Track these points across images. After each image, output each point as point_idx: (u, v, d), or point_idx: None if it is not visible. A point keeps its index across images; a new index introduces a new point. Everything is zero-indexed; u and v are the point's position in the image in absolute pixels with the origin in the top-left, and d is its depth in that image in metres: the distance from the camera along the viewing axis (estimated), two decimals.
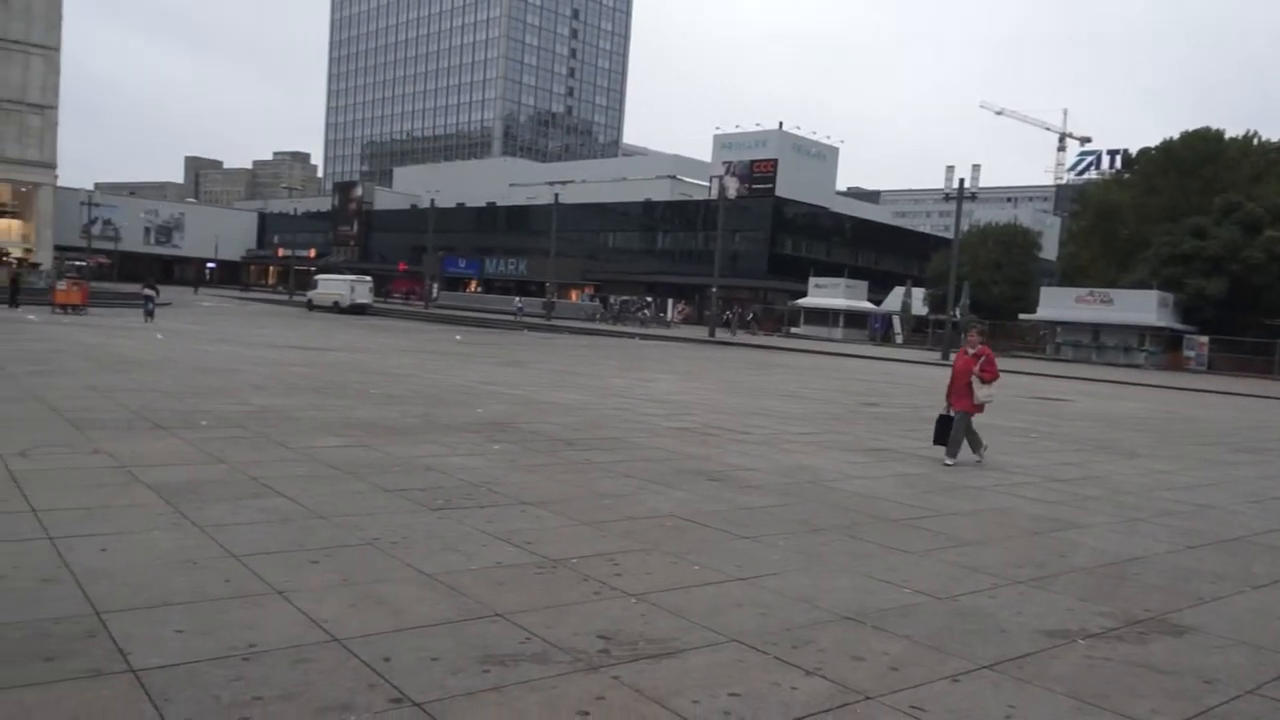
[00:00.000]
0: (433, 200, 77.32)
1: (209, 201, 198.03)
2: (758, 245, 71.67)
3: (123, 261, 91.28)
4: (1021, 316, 57.05)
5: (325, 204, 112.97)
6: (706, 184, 76.60)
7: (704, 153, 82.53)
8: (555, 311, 60.36)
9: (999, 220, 74.52)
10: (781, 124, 74.16)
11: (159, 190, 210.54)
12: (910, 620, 4.98)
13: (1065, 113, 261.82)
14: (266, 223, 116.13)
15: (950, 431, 10.85)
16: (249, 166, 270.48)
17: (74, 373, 14.48)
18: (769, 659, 4.25)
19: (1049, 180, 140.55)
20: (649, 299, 67.51)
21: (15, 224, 76.96)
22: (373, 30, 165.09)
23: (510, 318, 56.18)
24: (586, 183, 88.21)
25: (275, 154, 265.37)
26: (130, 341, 22.12)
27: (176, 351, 20.02)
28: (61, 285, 35.92)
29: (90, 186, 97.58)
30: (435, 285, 72.41)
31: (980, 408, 10.93)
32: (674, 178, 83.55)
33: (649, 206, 78.36)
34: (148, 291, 33.50)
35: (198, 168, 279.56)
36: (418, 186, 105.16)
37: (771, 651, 4.34)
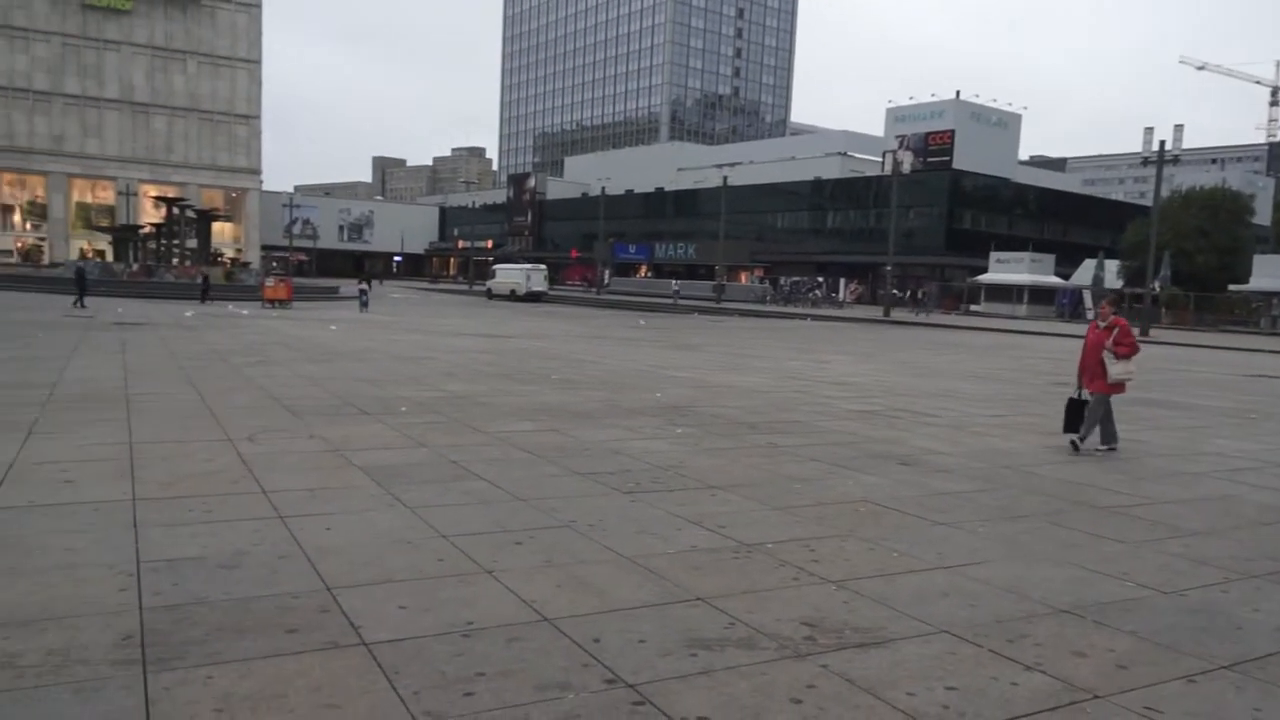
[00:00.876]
0: (603, 188, 78.71)
1: (394, 198, 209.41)
2: (934, 220, 68.93)
3: (319, 258, 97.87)
4: (1231, 288, 52.39)
5: (501, 196, 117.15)
6: (879, 159, 74.34)
7: (875, 128, 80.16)
8: (725, 294, 60.24)
9: (1203, 184, 68.58)
10: (958, 93, 70.98)
11: (350, 190, 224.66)
12: (1134, 615, 4.65)
13: (1278, 65, 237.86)
14: (447, 216, 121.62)
15: (1084, 417, 9.78)
16: (430, 163, 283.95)
17: (285, 363, 15.63)
18: (983, 652, 4.07)
19: (1260, 138, 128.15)
20: (820, 279, 66.31)
21: (228, 227, 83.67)
22: (543, 25, 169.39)
23: (671, 301, 56.53)
24: (754, 164, 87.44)
25: (454, 150, 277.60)
26: (331, 333, 23.68)
27: (372, 341, 21.27)
28: (269, 282, 38.87)
29: (290, 189, 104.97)
30: (606, 271, 73.74)
31: (1118, 387, 9.78)
32: (844, 154, 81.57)
33: (818, 185, 76.81)
34: (363, 286, 38.84)
35: (384, 167, 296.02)
36: (588, 175, 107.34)
37: (985, 644, 4.15)
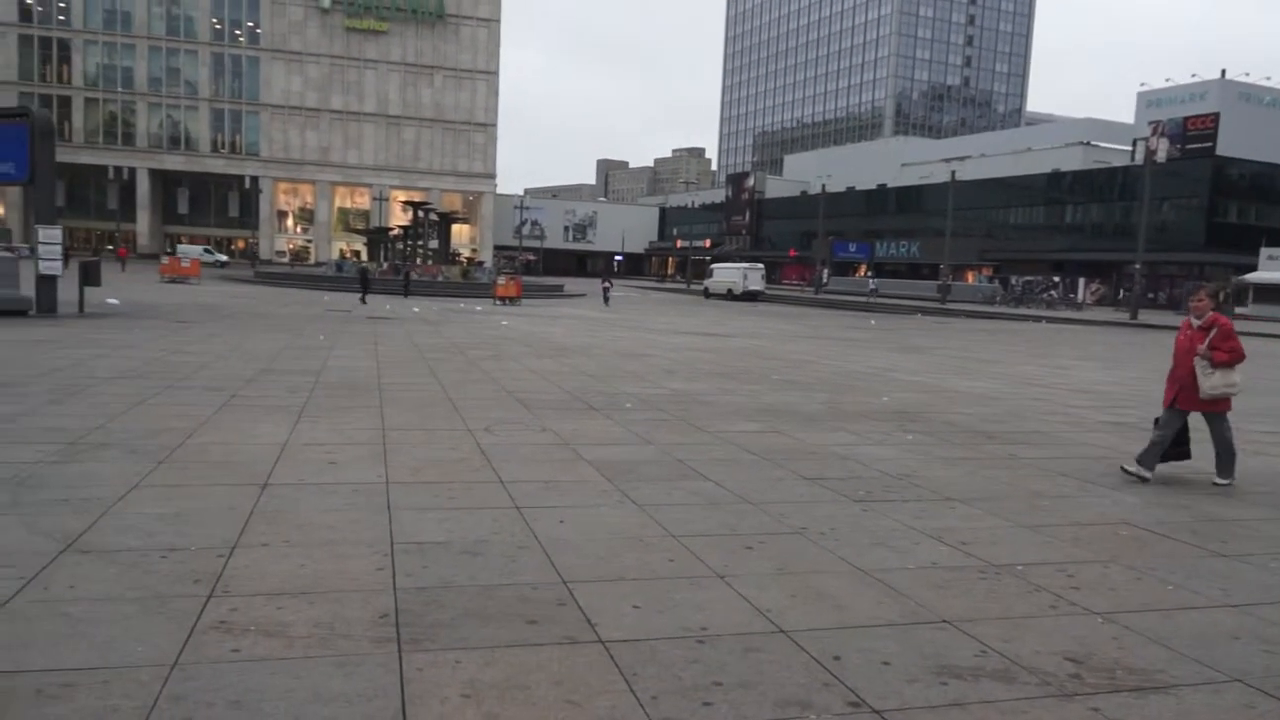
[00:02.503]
0: (823, 185, 77.34)
1: (616, 200, 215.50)
2: (1191, 214, 62.64)
3: (546, 257, 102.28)
4: None
5: (719, 196, 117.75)
6: (1126, 148, 68.51)
7: (1122, 114, 73.85)
8: (951, 294, 57.57)
9: None
10: (1224, 72, 64.18)
11: (575, 192, 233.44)
12: None
13: None
14: (666, 216, 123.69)
15: (1182, 439, 7.71)
16: (651, 165, 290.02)
17: (517, 357, 16.34)
18: None
19: None
20: (1056, 279, 61.96)
21: (465, 228, 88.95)
22: (765, 23, 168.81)
23: (916, 302, 54.54)
24: (985, 157, 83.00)
25: (674, 151, 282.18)
26: (557, 329, 24.59)
27: (596, 338, 21.88)
28: (501, 280, 40.94)
29: (521, 192, 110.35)
30: (825, 270, 72.39)
31: (1218, 404, 7.52)
32: (1086, 144, 75.76)
33: (1056, 178, 71.74)
34: (606, 285, 44.59)
35: (607, 169, 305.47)
36: (807, 173, 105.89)
37: None
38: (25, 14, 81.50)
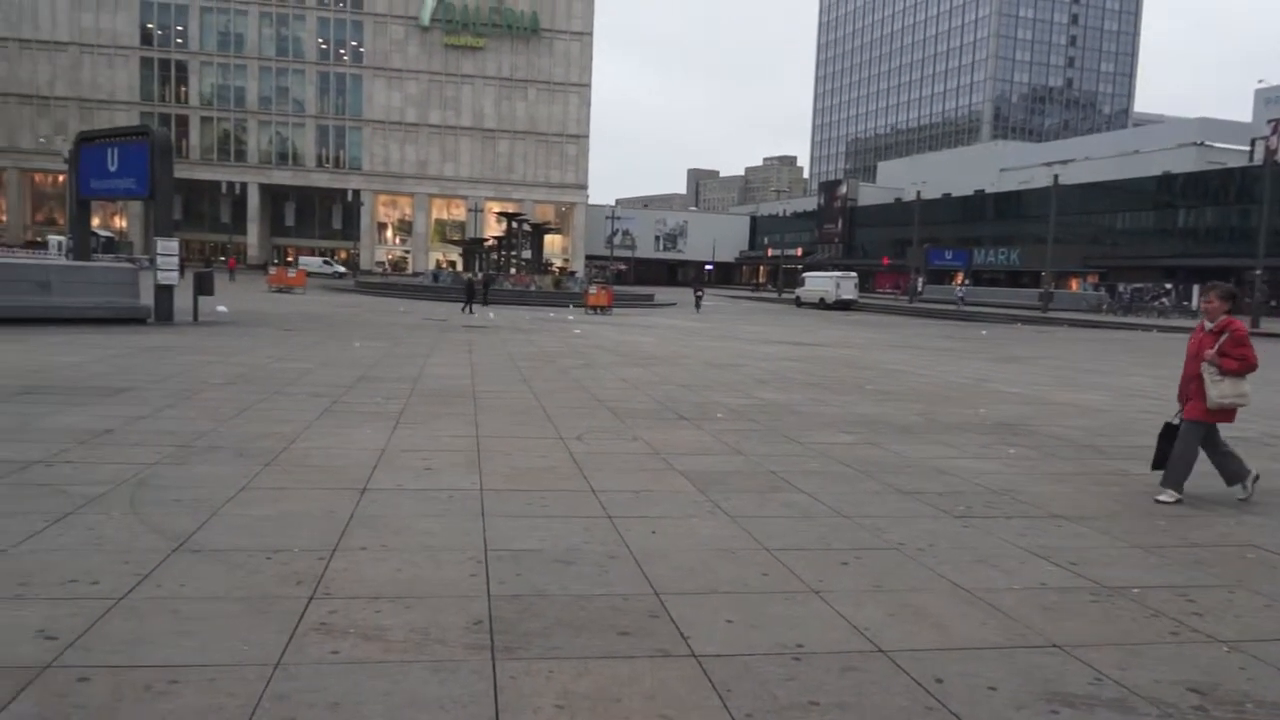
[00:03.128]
0: (918, 192, 75.77)
1: (707, 209, 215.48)
2: None
3: (636, 266, 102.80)
4: None
5: (811, 204, 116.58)
6: (1243, 149, 65.25)
7: (1237, 113, 70.37)
8: (1053, 302, 55.65)
9: None
10: None
11: (666, 202, 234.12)
12: None
13: None
14: (757, 225, 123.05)
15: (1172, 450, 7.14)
16: (741, 173, 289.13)
17: (607, 366, 16.41)
18: None
19: None
20: (1167, 286, 59.32)
21: (558, 238, 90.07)
22: (858, 29, 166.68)
23: (1014, 312, 52.98)
24: (1089, 160, 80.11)
25: (765, 159, 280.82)
26: (647, 338, 24.64)
27: (686, 347, 21.84)
28: (592, 289, 41.30)
29: (612, 202, 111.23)
30: (920, 279, 70.87)
31: (1220, 414, 6.96)
32: (1200, 144, 72.39)
33: (1166, 180, 68.70)
34: (699, 293, 47.60)
35: (698, 178, 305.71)
36: (901, 179, 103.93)
37: None
38: (146, 38, 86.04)
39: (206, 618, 3.96)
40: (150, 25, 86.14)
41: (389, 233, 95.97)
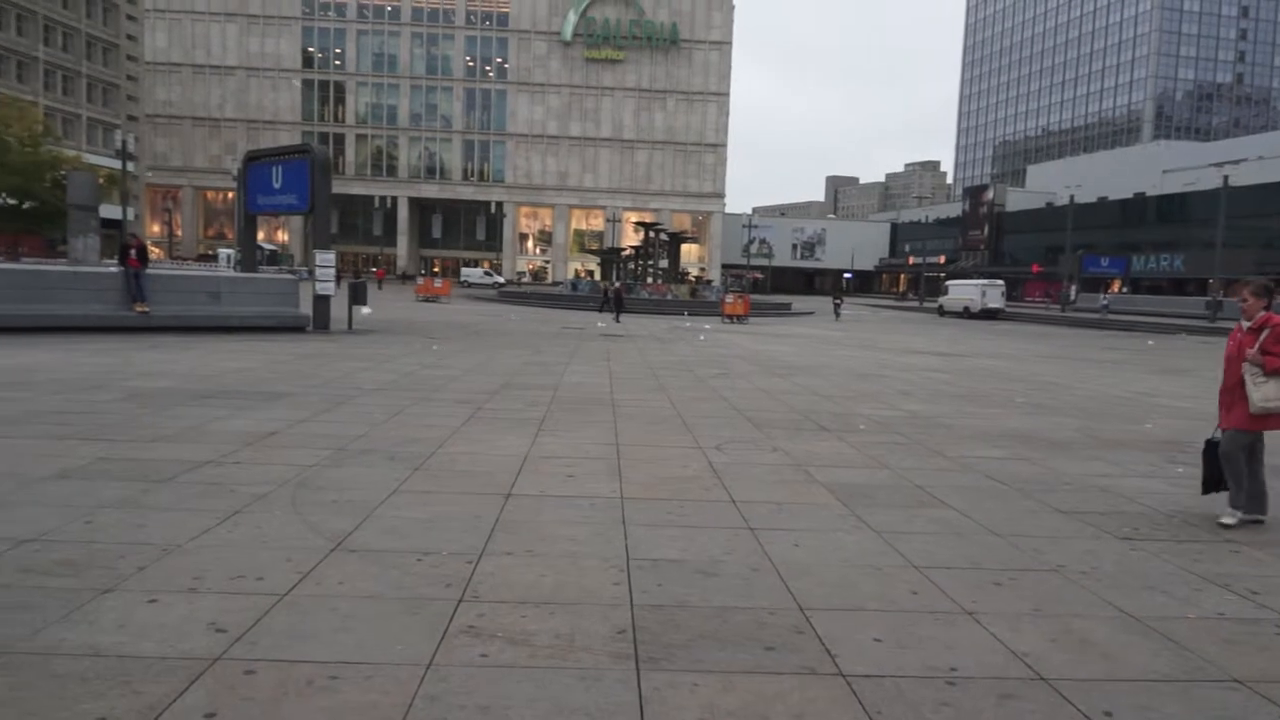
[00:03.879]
0: (1071, 196, 72.16)
1: (846, 216, 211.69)
2: None
3: (773, 275, 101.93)
4: None
5: (955, 209, 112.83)
6: None
7: None
8: (1222, 311, 51.90)
9: None
10: None
11: (804, 210, 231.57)
12: None
13: None
14: (897, 232, 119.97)
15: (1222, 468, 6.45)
16: (882, 180, 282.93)
17: (745, 375, 16.28)
18: None
19: None
20: None
21: (694, 247, 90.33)
22: (1008, 28, 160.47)
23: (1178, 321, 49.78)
24: (1263, 159, 74.38)
25: (906, 165, 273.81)
26: (785, 347, 24.33)
27: (826, 357, 21.45)
28: (729, 298, 41.14)
29: (749, 211, 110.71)
30: (1074, 287, 67.42)
31: (1265, 420, 6.26)
32: None
33: None
34: (838, 301, 47.59)
35: (836, 185, 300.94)
36: (1053, 183, 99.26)
37: None
38: (308, 61, 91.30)
39: (363, 616, 4.11)
40: (311, 49, 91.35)
41: (530, 243, 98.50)
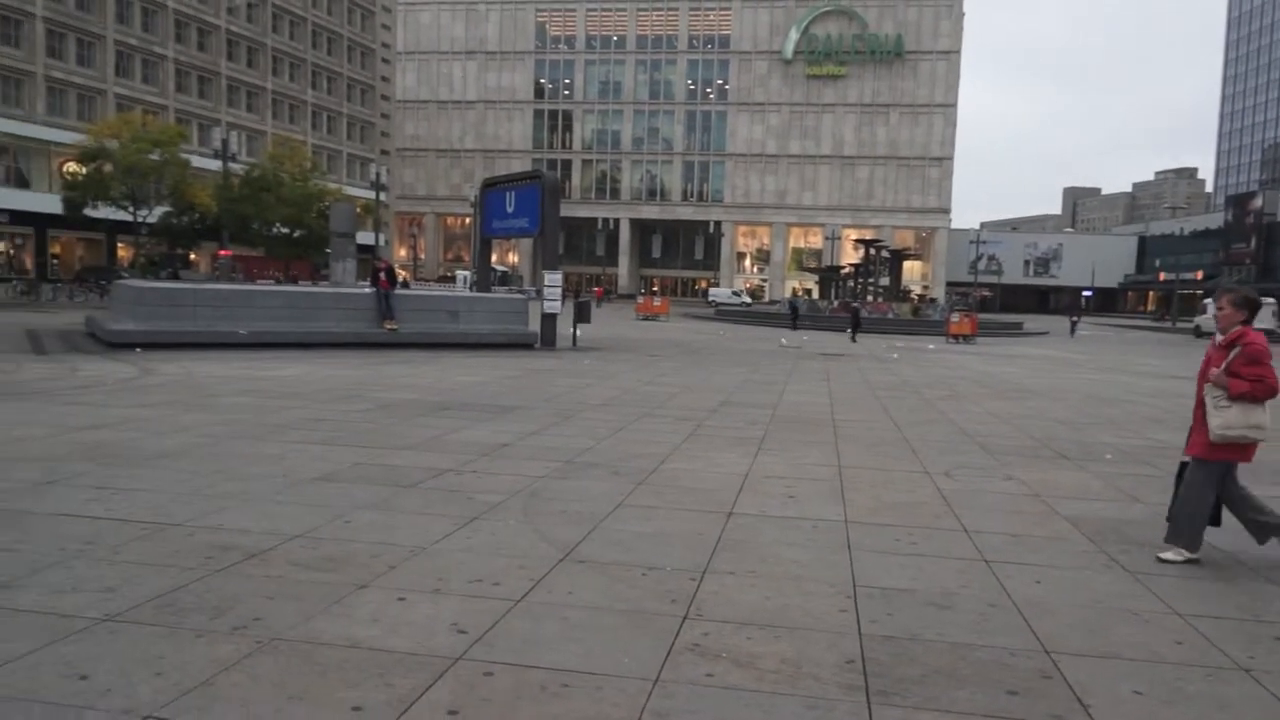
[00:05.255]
0: None
1: (1085, 230, 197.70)
2: None
3: (1003, 293, 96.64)
4: None
5: (1215, 220, 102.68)
6: None
7: None
8: None
9: None
10: None
11: (1037, 223, 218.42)
12: None
13: None
14: (1146, 246, 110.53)
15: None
16: (1128, 190, 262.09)
17: (974, 398, 15.47)
18: None
19: None
20: None
21: (917, 265, 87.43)
22: (1277, 20, 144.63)
23: None
24: None
25: (1156, 174, 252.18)
26: (1017, 369, 22.93)
27: (1063, 379, 20.03)
28: (954, 317, 39.38)
29: (976, 226, 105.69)
30: None
31: (1229, 450, 5.50)
32: None
33: None
34: (1074, 319, 48.35)
35: (1075, 197, 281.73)
36: None
37: None
38: (539, 92, 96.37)
39: (591, 626, 4.20)
40: (542, 80, 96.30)
41: (747, 261, 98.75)
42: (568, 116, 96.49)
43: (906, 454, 9.46)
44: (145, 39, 61.10)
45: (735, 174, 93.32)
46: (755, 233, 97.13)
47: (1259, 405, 5.43)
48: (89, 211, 45.77)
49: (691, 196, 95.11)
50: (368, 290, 21.74)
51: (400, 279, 27.41)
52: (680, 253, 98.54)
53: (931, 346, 32.52)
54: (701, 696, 3.49)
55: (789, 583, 4.99)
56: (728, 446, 9.45)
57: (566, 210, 78.30)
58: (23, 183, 53.64)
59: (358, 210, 41.01)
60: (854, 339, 34.55)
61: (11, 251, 55.06)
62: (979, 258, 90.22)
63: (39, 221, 52.15)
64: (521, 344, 22.56)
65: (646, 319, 46.10)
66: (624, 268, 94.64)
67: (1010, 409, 14.02)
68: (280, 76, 74.32)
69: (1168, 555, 5.72)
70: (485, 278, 29.76)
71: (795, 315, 44.16)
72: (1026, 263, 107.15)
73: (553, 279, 23.35)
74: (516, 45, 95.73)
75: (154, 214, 48.06)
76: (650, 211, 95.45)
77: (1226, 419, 5.43)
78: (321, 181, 58.16)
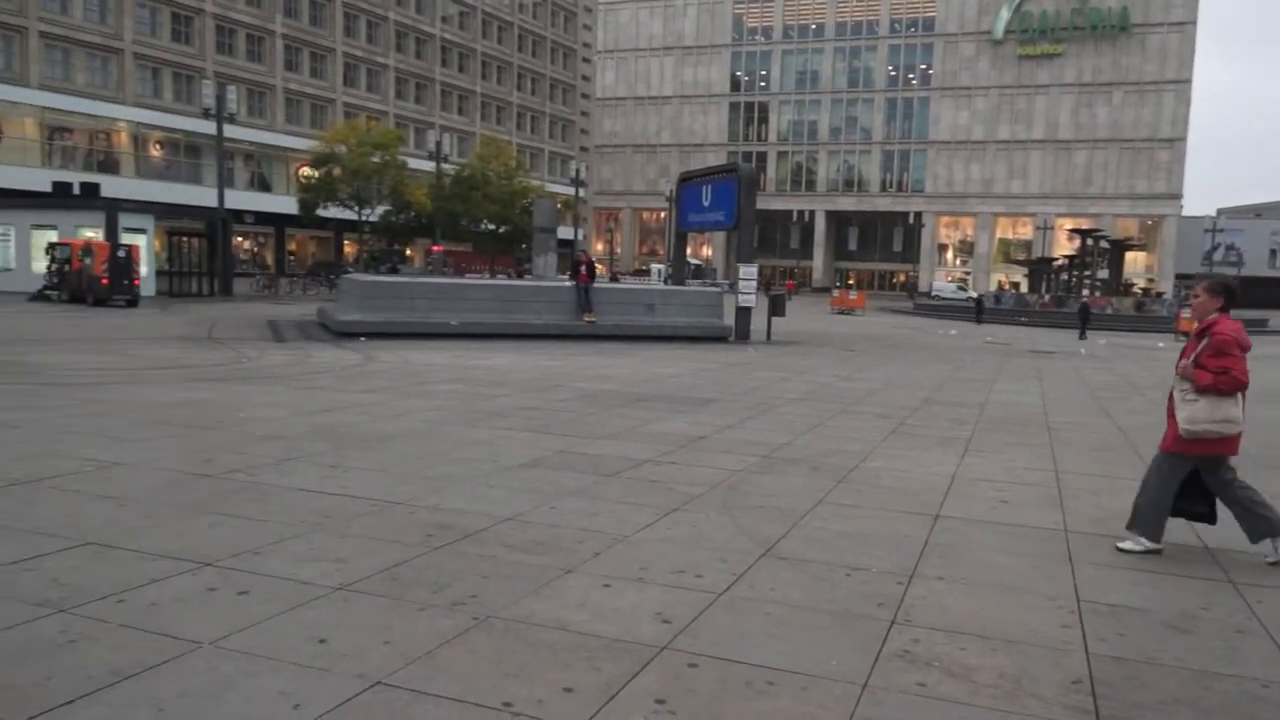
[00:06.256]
0: None
1: None
2: None
3: (1244, 286, 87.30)
4: None
5: None
6: None
7: None
8: None
9: None
10: None
11: None
12: None
13: None
14: None
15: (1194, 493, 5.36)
16: None
17: None
18: None
19: None
20: None
21: (1140, 256, 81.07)
22: None
23: None
24: None
25: None
26: (1270, 370, 20.72)
27: None
28: (1185, 313, 36.15)
29: (1212, 213, 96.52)
30: None
31: (1197, 444, 5.16)
32: None
33: None
34: None
35: None
36: None
37: None
38: (735, 85, 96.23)
39: (794, 624, 4.13)
40: (739, 73, 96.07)
41: (949, 254, 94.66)
42: (763, 108, 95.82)
43: (1133, 460, 8.75)
44: (369, 50, 65.72)
45: (938, 162, 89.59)
46: (958, 223, 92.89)
47: (1228, 398, 5.16)
48: (320, 211, 49.83)
49: (890, 187, 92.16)
50: (568, 284, 22.43)
51: (599, 273, 28.09)
52: (877, 245, 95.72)
53: (1161, 345, 29.99)
54: (913, 706, 3.35)
55: (1004, 592, 4.71)
56: (932, 446, 9.07)
57: (761, 203, 77.82)
58: (265, 186, 59.07)
59: (559, 206, 42.40)
60: (1083, 335, 32.41)
61: (255, 249, 60.73)
62: (1214, 247, 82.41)
63: (278, 221, 57.24)
64: (715, 337, 22.61)
65: (841, 313, 45.10)
66: (819, 260, 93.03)
67: (1258, 413, 12.68)
68: (489, 80, 78.05)
69: (1126, 545, 5.54)
70: (680, 271, 30.03)
71: (980, 311, 42.68)
72: (1273, 252, 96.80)
73: (748, 272, 23.27)
74: (713, 39, 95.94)
75: (375, 213, 51.69)
76: (847, 203, 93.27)
77: (1192, 413, 5.22)
78: (525, 179, 60.60)
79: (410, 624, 3.96)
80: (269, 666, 3.48)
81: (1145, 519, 5.50)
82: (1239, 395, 5.20)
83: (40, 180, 40.49)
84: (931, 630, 4.13)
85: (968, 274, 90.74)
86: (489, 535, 5.37)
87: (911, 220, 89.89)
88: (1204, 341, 5.31)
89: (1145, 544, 5.48)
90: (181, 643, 3.68)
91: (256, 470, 6.84)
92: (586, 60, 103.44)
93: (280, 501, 5.96)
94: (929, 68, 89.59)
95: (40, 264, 30.69)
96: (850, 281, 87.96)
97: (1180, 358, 5.50)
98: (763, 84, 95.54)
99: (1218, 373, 5.15)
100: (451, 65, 73.76)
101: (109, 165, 50.51)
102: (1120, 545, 5.57)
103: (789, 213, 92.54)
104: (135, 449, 7.45)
